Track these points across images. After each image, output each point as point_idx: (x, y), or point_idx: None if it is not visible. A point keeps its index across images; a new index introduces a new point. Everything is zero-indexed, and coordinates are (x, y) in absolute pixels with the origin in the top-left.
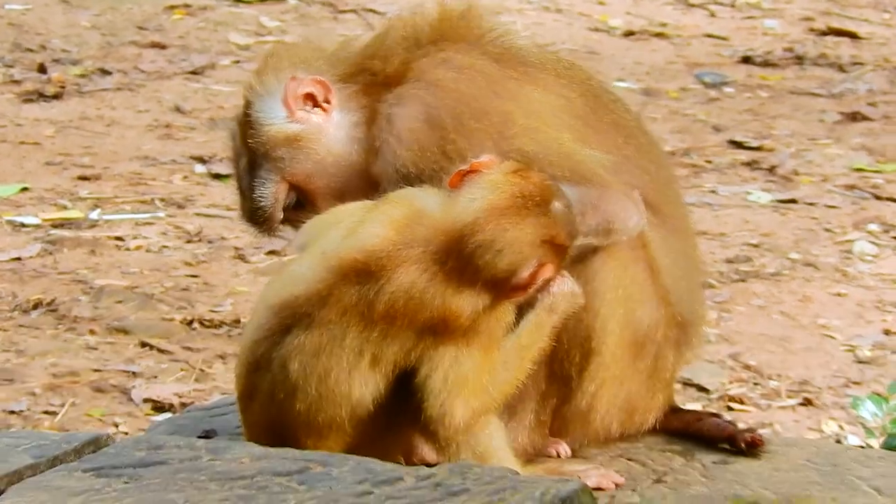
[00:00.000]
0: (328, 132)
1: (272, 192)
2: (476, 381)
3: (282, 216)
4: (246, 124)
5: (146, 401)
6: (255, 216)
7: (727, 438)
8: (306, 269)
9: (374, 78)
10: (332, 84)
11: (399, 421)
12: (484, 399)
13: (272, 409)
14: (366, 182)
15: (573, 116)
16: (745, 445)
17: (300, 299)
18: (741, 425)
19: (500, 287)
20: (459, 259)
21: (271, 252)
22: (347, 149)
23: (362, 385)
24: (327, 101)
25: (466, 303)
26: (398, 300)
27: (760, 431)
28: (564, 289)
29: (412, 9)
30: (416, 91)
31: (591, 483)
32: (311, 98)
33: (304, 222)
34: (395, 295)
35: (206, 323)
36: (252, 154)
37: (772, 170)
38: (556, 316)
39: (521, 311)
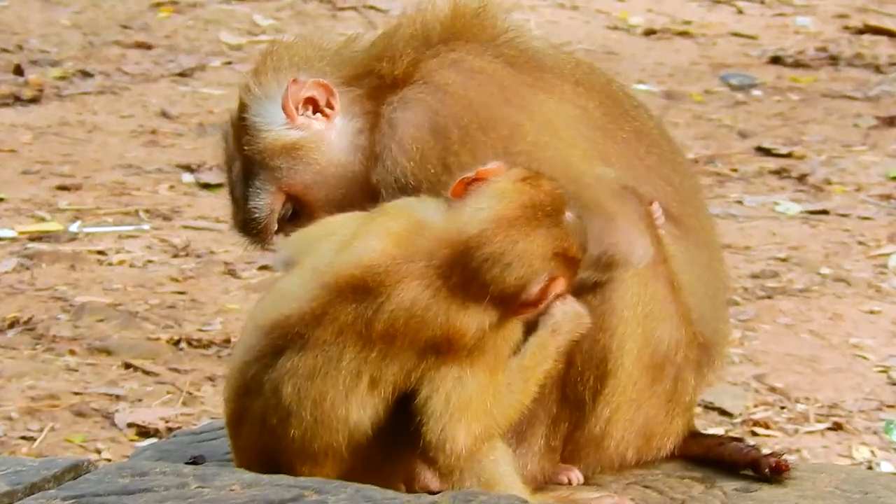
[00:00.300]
0: (330, 140)
1: (267, 203)
2: (479, 405)
3: (276, 228)
4: (241, 129)
5: (130, 425)
6: (249, 227)
7: (750, 464)
8: (297, 287)
9: (381, 81)
10: (335, 87)
11: (399, 446)
12: (487, 423)
13: (264, 434)
14: (367, 192)
15: (591, 128)
16: (769, 471)
17: (292, 319)
18: (765, 450)
19: (509, 303)
20: (465, 273)
21: (263, 267)
22: (350, 158)
23: (360, 409)
24: (330, 107)
25: (472, 320)
26: (398, 318)
27: (786, 457)
28: (567, 309)
29: (421, 5)
30: (422, 95)
31: None
32: (312, 102)
33: None
34: (396, 313)
35: (194, 343)
36: (247, 161)
37: (802, 178)
38: (561, 337)
39: (524, 333)
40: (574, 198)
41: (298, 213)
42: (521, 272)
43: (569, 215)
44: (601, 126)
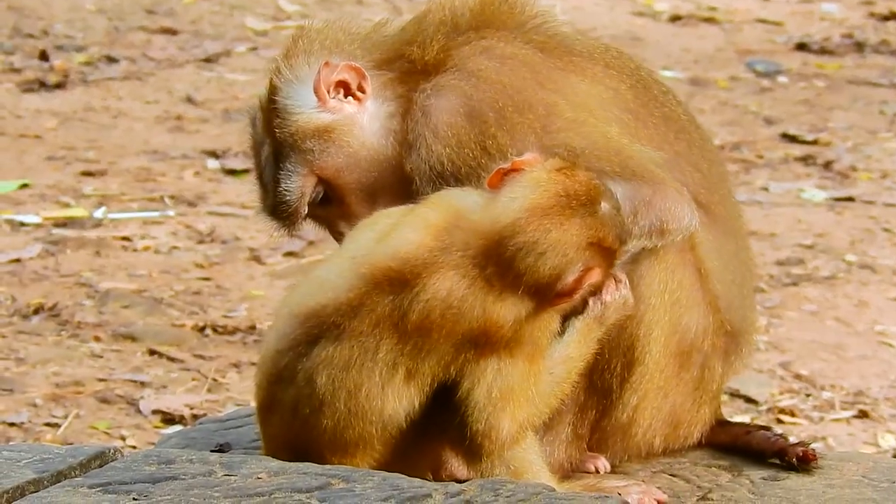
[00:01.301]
0: (361, 123)
1: (298, 186)
2: (522, 393)
3: (306, 211)
4: (272, 111)
5: (155, 412)
6: (279, 211)
7: (777, 453)
8: (335, 276)
9: (412, 66)
10: (366, 71)
11: (428, 435)
12: (530, 411)
13: (295, 423)
14: (399, 178)
15: (622, 110)
16: (796, 460)
17: (328, 308)
18: (792, 439)
19: (544, 293)
20: (500, 263)
21: (289, 254)
22: (381, 142)
23: (395, 401)
24: (361, 90)
25: (508, 311)
26: (435, 310)
27: (813, 445)
28: (617, 297)
29: None
30: (455, 81)
31: (631, 500)
32: (343, 85)
33: (329, 219)
34: (432, 304)
35: (220, 329)
36: (277, 144)
37: (827, 165)
38: (605, 327)
39: (569, 319)
40: (619, 167)
41: (329, 196)
42: (556, 261)
43: (604, 205)
44: (632, 109)
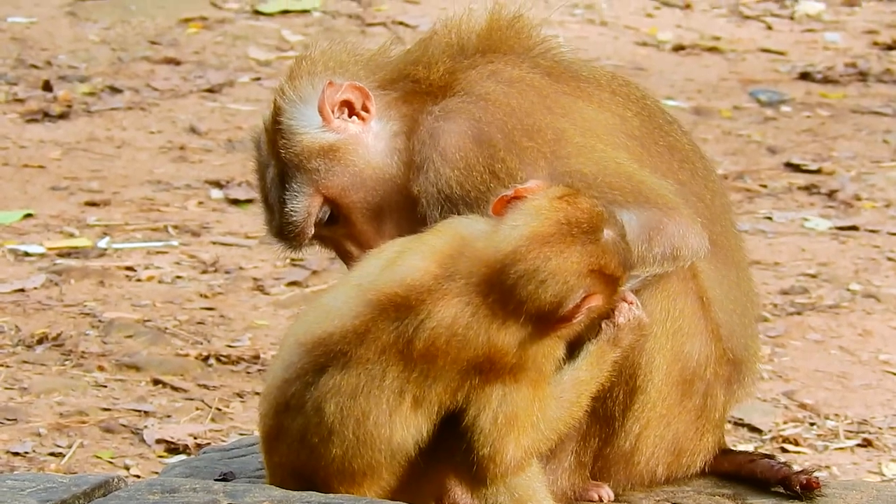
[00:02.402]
0: (366, 143)
1: (305, 206)
2: (527, 419)
3: (313, 232)
4: (276, 132)
5: (159, 442)
6: (285, 231)
7: (781, 481)
8: (341, 304)
9: (416, 85)
10: (371, 91)
11: (432, 463)
12: (535, 437)
13: (302, 453)
14: (405, 197)
15: (628, 136)
16: (800, 488)
17: (335, 336)
18: (796, 467)
19: (546, 319)
20: (502, 291)
21: (292, 283)
22: (386, 160)
23: (404, 428)
24: (366, 110)
25: (512, 338)
26: (440, 337)
27: (817, 474)
28: (630, 318)
29: (457, 16)
30: (463, 105)
31: None
32: (348, 105)
33: (336, 239)
34: (437, 331)
35: (223, 359)
36: (283, 165)
37: (831, 195)
38: (620, 349)
39: (583, 344)
40: (632, 194)
41: (335, 216)
42: (556, 289)
43: (607, 232)
44: (638, 136)
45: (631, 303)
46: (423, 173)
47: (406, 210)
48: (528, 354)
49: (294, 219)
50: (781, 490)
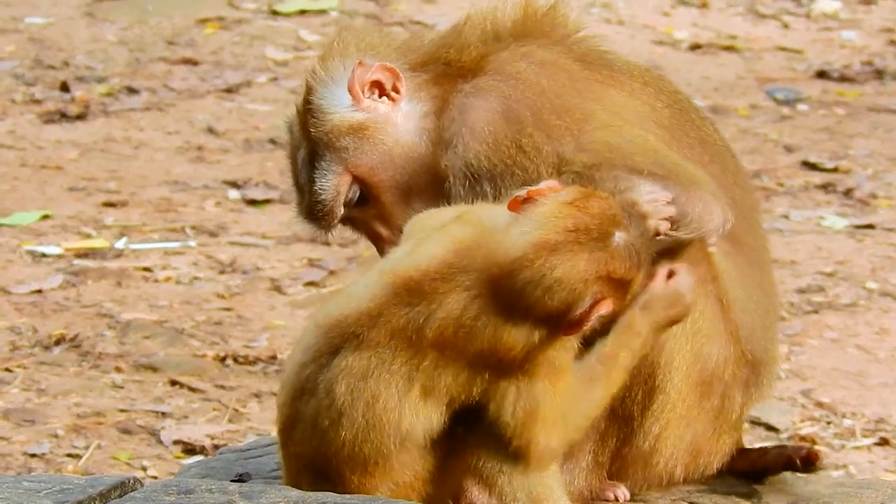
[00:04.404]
0: (396, 122)
1: (334, 185)
2: (548, 411)
3: (342, 212)
4: (307, 112)
5: (176, 443)
6: (315, 211)
7: (785, 463)
8: (362, 287)
9: (448, 68)
10: (401, 72)
11: (448, 462)
12: (566, 426)
13: (315, 438)
14: (433, 176)
15: (658, 126)
16: (800, 462)
17: (350, 318)
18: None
19: (555, 322)
20: (510, 293)
21: (310, 283)
22: (416, 140)
23: (412, 415)
24: (396, 90)
25: (520, 335)
26: (448, 327)
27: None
28: (664, 287)
29: (492, 4)
30: (494, 83)
31: None
32: (378, 86)
33: (365, 220)
34: (446, 322)
35: (241, 359)
36: (313, 144)
37: (848, 193)
38: (652, 316)
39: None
40: (655, 165)
41: (364, 197)
42: (563, 296)
43: (618, 236)
44: (668, 126)
45: (674, 274)
46: (452, 147)
47: (435, 189)
48: (538, 351)
49: (323, 197)
50: (798, 487)
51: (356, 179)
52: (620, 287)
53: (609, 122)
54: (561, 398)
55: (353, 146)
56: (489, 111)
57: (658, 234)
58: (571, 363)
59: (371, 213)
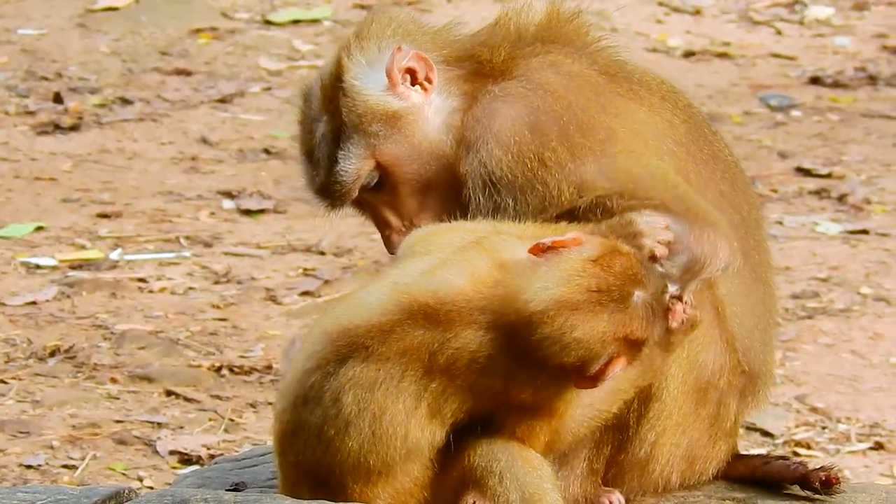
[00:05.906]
0: (426, 115)
1: (356, 168)
2: (544, 431)
3: (356, 195)
4: (338, 90)
5: (172, 453)
6: (330, 190)
7: (798, 479)
8: (373, 299)
9: (480, 67)
10: (435, 64)
11: (447, 471)
12: (557, 438)
13: (319, 448)
14: (452, 178)
15: (675, 143)
16: (819, 485)
17: (360, 329)
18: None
19: (568, 376)
20: (527, 343)
21: (305, 293)
22: (442, 137)
23: (419, 430)
24: (428, 81)
25: (531, 380)
26: (462, 359)
27: (836, 469)
28: (685, 321)
29: (517, 8)
30: (523, 90)
31: None
32: (412, 73)
33: (376, 206)
34: (460, 353)
35: (236, 370)
36: (339, 123)
37: (842, 199)
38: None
39: None
40: (674, 200)
41: (381, 183)
42: (580, 354)
43: (638, 295)
44: (684, 143)
45: (685, 303)
46: (475, 152)
47: (452, 190)
48: (548, 397)
49: (343, 178)
50: (793, 492)
51: (378, 166)
52: (636, 346)
53: (631, 145)
54: (559, 423)
55: (383, 133)
56: (515, 120)
57: (655, 258)
58: (574, 404)
59: (384, 200)
